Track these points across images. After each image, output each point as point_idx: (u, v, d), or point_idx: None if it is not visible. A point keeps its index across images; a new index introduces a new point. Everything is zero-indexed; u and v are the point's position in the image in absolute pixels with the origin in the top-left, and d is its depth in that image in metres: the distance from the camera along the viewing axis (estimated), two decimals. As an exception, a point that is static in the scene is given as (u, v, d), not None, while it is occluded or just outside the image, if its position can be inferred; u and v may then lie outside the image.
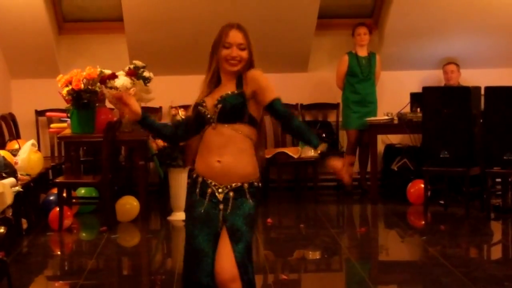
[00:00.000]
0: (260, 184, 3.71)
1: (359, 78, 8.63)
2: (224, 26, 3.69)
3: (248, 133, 3.63)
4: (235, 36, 3.64)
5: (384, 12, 8.92)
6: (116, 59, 8.47)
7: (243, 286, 3.56)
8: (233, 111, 3.60)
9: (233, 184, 3.62)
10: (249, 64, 3.67)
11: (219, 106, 3.61)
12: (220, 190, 3.62)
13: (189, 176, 3.76)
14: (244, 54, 3.65)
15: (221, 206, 3.62)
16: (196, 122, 3.70)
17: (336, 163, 3.64)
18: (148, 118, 3.75)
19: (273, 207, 8.21)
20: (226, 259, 3.55)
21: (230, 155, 3.60)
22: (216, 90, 3.67)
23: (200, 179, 3.66)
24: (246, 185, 3.64)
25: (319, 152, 3.66)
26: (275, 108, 3.65)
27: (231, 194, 3.62)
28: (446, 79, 8.89)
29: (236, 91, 3.62)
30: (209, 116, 3.63)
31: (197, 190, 3.66)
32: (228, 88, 3.65)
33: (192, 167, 3.77)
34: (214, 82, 3.70)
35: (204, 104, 3.65)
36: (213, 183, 3.63)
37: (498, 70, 9.13)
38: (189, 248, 3.67)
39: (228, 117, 3.60)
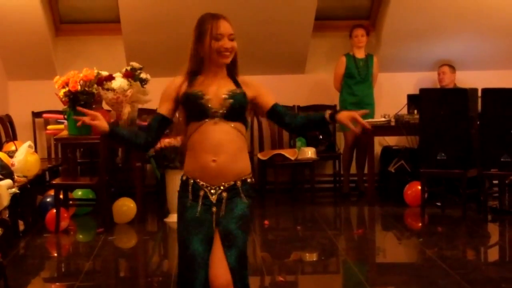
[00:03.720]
0: (253, 180, 3.60)
1: (357, 79, 8.64)
2: (207, 17, 3.52)
3: (243, 132, 3.54)
4: (225, 27, 3.49)
5: (381, 14, 8.92)
6: (113, 60, 8.48)
7: None
8: (241, 110, 3.51)
9: (226, 184, 3.50)
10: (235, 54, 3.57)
11: (229, 101, 3.47)
12: (212, 191, 3.50)
13: (180, 180, 3.61)
14: (235, 44, 3.52)
15: (214, 209, 3.49)
16: (188, 114, 3.52)
17: (346, 113, 3.58)
18: (116, 129, 3.61)
19: (270, 208, 8.20)
20: (219, 266, 3.42)
21: (227, 154, 3.46)
22: (211, 83, 3.51)
23: (191, 181, 3.52)
24: (239, 183, 3.52)
25: (327, 116, 3.57)
26: (277, 110, 3.62)
27: (224, 194, 3.50)
28: (438, 80, 8.91)
29: (238, 90, 3.52)
30: (214, 110, 3.48)
31: (189, 194, 3.52)
32: (225, 84, 3.52)
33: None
34: (194, 73, 3.54)
35: (206, 97, 3.48)
36: (205, 185, 3.50)
37: (495, 72, 9.14)
38: (184, 255, 3.51)
39: (235, 115, 3.49)
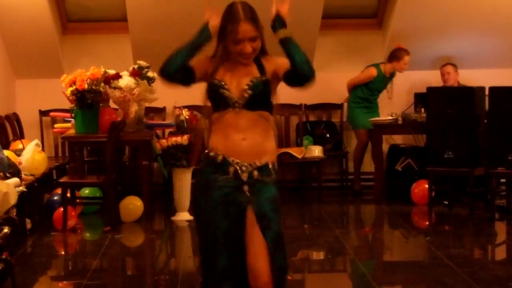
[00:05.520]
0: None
1: (374, 94, 8.61)
2: (230, 13, 3.41)
3: (269, 118, 3.49)
4: (245, 31, 3.37)
5: (388, 12, 8.91)
6: (120, 59, 8.49)
7: (273, 274, 3.37)
8: (262, 99, 3.45)
9: (258, 162, 3.43)
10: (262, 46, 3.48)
11: (249, 92, 3.42)
12: (244, 168, 3.41)
13: (203, 158, 3.51)
14: (257, 43, 3.43)
15: (246, 188, 3.40)
16: (212, 103, 3.49)
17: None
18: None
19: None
20: (260, 260, 3.36)
21: (255, 133, 3.42)
22: (235, 71, 3.45)
23: (220, 157, 3.42)
24: (270, 164, 3.46)
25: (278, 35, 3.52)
26: (288, 73, 3.49)
27: (255, 173, 3.42)
28: (443, 80, 8.85)
29: (261, 78, 3.45)
30: (234, 100, 3.42)
31: (215, 170, 3.42)
32: (249, 71, 3.46)
33: (202, 153, 3.53)
34: (223, 58, 3.47)
35: (226, 86, 3.43)
36: (235, 161, 3.41)
37: (502, 71, 9.13)
38: (207, 237, 3.43)
39: (257, 104, 3.43)
